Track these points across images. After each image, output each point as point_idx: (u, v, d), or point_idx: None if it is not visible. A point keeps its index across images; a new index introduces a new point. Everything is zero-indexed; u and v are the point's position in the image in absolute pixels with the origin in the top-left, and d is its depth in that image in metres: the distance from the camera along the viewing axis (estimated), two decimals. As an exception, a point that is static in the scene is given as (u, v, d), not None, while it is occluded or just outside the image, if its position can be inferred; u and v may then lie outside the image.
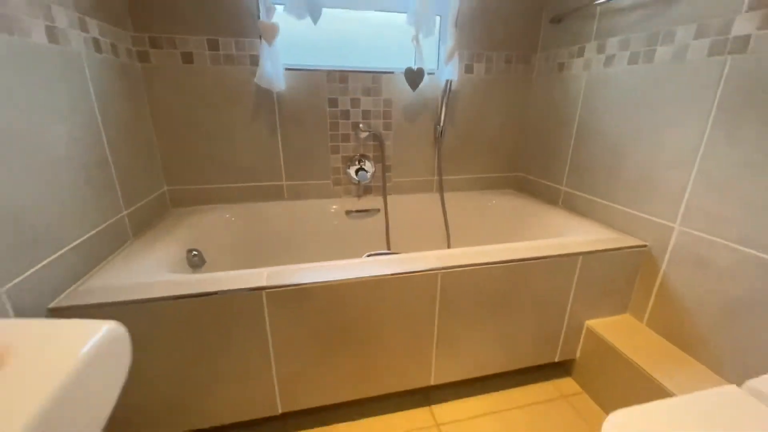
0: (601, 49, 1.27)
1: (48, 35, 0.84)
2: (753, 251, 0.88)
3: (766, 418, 0.65)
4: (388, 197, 1.64)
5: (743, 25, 0.87)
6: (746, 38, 0.86)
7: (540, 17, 1.56)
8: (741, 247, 0.90)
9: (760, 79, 0.84)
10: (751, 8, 0.85)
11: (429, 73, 1.49)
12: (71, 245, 0.86)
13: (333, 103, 1.47)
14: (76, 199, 0.90)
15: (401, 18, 1.44)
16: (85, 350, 0.25)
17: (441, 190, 1.69)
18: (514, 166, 1.79)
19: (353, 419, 1.09)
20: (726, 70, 0.91)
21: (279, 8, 1.28)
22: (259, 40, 1.33)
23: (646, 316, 1.16)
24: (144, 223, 1.23)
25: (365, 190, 1.64)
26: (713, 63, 0.93)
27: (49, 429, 0.22)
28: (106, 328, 0.28)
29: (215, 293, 0.84)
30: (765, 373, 0.74)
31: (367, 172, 1.57)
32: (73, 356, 0.24)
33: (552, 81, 1.53)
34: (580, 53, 1.36)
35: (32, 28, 0.80)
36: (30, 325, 0.28)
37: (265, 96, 1.40)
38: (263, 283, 0.88)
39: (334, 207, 1.58)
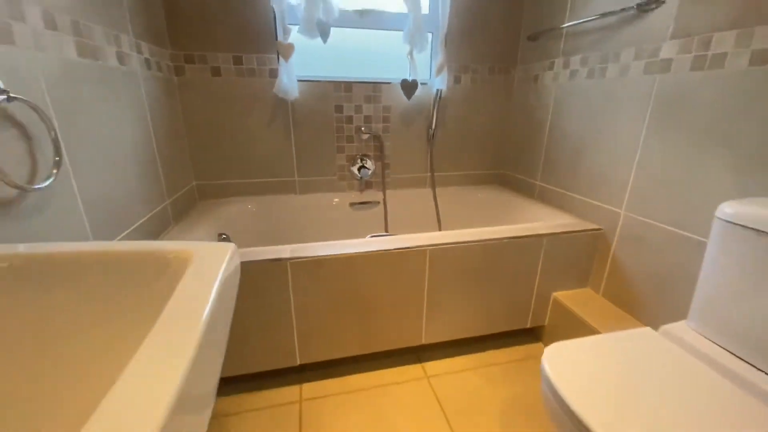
0: (566, 65, 1.50)
1: (118, 58, 1.07)
2: (677, 230, 1.11)
3: (665, 348, 0.88)
4: (387, 191, 1.87)
5: (668, 50, 1.10)
6: (669, 61, 1.09)
7: (519, 35, 1.80)
8: (668, 227, 1.13)
9: (678, 93, 1.07)
10: (673, 37, 1.08)
11: (422, 84, 1.72)
12: (136, 224, 1.09)
13: (339, 109, 1.70)
14: (138, 188, 1.13)
15: (398, 35, 1.66)
16: (229, 255, 0.47)
17: (433, 185, 1.92)
18: (497, 164, 2.02)
19: (358, 372, 1.32)
20: (656, 86, 1.14)
21: (294, 29, 1.50)
22: (276, 57, 1.55)
23: (602, 288, 1.39)
24: (180, 211, 1.46)
25: (367, 185, 1.87)
26: (647, 79, 1.16)
27: (219, 304, 0.43)
28: (233, 246, 0.50)
29: (253, 262, 1.06)
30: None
31: (368, 169, 1.80)
32: (226, 255, 0.46)
33: (528, 90, 1.76)
34: (551, 67, 1.59)
35: (109, 53, 1.02)
36: (196, 243, 0.49)
37: (280, 103, 1.63)
38: (287, 255, 1.10)
39: (338, 200, 1.81)
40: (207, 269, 0.43)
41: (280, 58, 1.50)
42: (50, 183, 0.71)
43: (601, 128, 1.35)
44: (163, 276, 0.44)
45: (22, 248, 0.44)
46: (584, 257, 1.40)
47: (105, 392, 0.28)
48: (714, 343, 0.89)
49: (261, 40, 1.53)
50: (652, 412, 0.70)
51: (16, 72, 0.69)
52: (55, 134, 0.73)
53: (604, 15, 1.27)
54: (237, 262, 0.50)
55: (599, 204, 1.38)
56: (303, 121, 1.68)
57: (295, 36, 1.49)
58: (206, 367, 0.38)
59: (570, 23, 1.43)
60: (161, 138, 1.32)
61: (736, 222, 0.82)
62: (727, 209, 0.85)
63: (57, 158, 0.73)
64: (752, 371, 0.80)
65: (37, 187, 0.68)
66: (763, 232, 0.78)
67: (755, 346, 0.81)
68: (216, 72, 1.52)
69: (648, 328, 0.95)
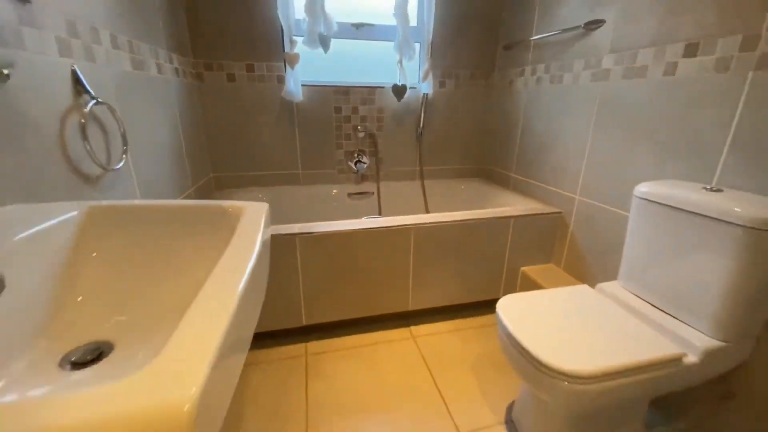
0: (533, 72, 1.74)
1: (157, 69, 1.30)
2: (615, 209, 1.35)
3: (595, 299, 1.11)
4: (381, 183, 2.10)
5: (607, 62, 1.34)
6: (609, 71, 1.33)
7: (496, 45, 2.04)
8: (610, 207, 1.37)
9: (615, 98, 1.31)
10: (611, 51, 1.32)
11: (411, 88, 1.95)
12: (172, 205, 1.32)
13: (338, 110, 1.94)
14: (171, 176, 1.36)
15: (390, 45, 1.89)
16: (266, 209, 0.70)
17: (422, 177, 2.15)
18: (479, 159, 2.26)
19: (355, 333, 1.55)
20: (599, 91, 1.38)
21: (299, 40, 1.74)
22: (283, 65, 1.79)
23: (563, 262, 1.63)
24: (200, 199, 1.69)
25: (363, 178, 2.10)
26: (593, 86, 1.40)
27: (264, 240, 0.66)
28: (267, 205, 0.72)
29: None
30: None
31: (364, 163, 2.03)
32: (264, 209, 0.69)
33: (505, 94, 2.00)
34: (522, 74, 1.83)
35: (151, 65, 1.25)
36: (243, 202, 0.72)
37: (287, 105, 1.86)
38: (296, 231, 1.33)
39: (337, 191, 2.05)
40: (255, 217, 0.67)
41: (287, 66, 1.74)
42: (121, 166, 0.94)
43: (561, 127, 1.59)
44: (226, 222, 0.67)
45: (137, 202, 0.67)
46: (547, 236, 1.64)
47: (195, 288, 0.49)
48: (634, 294, 1.13)
49: (270, 50, 1.77)
50: (578, 340, 0.93)
51: (97, 82, 0.92)
52: (124, 130, 0.96)
53: (561, 31, 1.51)
54: (269, 214, 0.74)
55: (560, 191, 1.62)
56: (306, 121, 1.92)
57: (299, 47, 1.73)
58: (257, 285, 0.60)
59: (536, 36, 1.67)
60: (187, 135, 1.55)
61: (648, 198, 1.06)
62: (642, 188, 1.08)
63: (125, 147, 0.96)
64: (657, 312, 1.04)
65: (113, 168, 0.91)
66: (666, 205, 1.01)
67: (661, 295, 1.05)
68: (231, 78, 1.76)
69: (585, 285, 1.19)
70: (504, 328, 1.01)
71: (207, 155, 1.83)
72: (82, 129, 0.82)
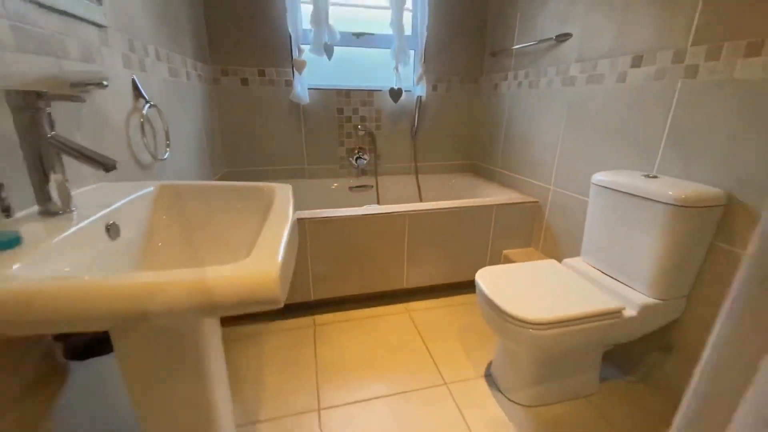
0: (515, 77, 1.96)
1: (186, 76, 1.50)
2: (582, 197, 1.56)
3: (559, 270, 1.33)
4: (379, 177, 2.31)
5: (574, 70, 1.55)
6: (575, 77, 1.55)
7: (483, 52, 2.25)
8: (578, 196, 1.58)
9: (581, 101, 1.53)
10: (576, 61, 1.54)
11: (406, 91, 2.16)
12: (198, 193, 1.52)
13: (340, 111, 2.15)
14: (196, 169, 1.56)
15: (387, 53, 2.10)
16: (291, 189, 0.91)
17: (416, 172, 2.36)
18: (468, 155, 2.47)
19: (357, 309, 1.75)
20: (568, 96, 1.59)
21: (306, 48, 1.94)
22: (291, 70, 1.99)
23: (540, 245, 1.84)
24: (218, 190, 1.89)
25: (362, 173, 2.31)
26: (563, 90, 1.62)
27: (293, 214, 0.87)
28: (290, 186, 0.93)
29: (281, 218, 1.50)
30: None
31: (364, 159, 2.24)
32: (290, 189, 0.90)
33: (491, 96, 2.21)
34: (505, 78, 2.05)
35: (182, 72, 1.46)
36: (274, 183, 0.93)
37: (294, 107, 2.07)
38: (306, 216, 1.54)
39: (337, 184, 2.25)
40: (285, 194, 0.88)
41: (295, 72, 1.94)
42: (167, 156, 1.15)
43: (538, 126, 1.81)
44: (263, 198, 0.88)
45: (191, 182, 0.88)
46: (526, 223, 1.85)
47: (238, 249, 0.70)
48: (592, 266, 1.34)
49: (280, 57, 1.97)
50: (540, 299, 1.13)
51: (147, 88, 1.13)
52: (167, 128, 1.16)
53: (537, 42, 1.73)
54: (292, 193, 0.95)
55: (536, 183, 1.84)
56: (312, 121, 2.12)
57: (306, 54, 1.94)
58: (291, 247, 0.81)
59: (517, 46, 1.89)
60: (207, 133, 1.75)
61: (602, 185, 1.27)
62: (598, 177, 1.30)
63: (168, 142, 1.17)
64: (608, 279, 1.25)
65: (161, 158, 1.12)
66: (615, 190, 1.22)
67: (612, 264, 1.26)
68: (245, 82, 1.96)
69: (553, 260, 1.40)
70: (481, 292, 1.22)
71: (222, 152, 2.03)
72: (141, 126, 1.02)
